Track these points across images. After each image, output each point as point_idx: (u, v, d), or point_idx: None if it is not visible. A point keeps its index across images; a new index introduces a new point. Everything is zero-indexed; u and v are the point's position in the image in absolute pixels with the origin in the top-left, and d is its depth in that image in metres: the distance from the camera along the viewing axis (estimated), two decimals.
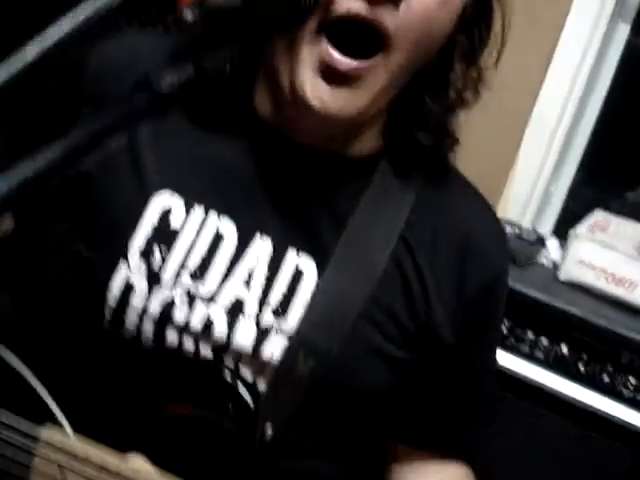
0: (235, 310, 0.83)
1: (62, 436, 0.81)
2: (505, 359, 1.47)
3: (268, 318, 0.83)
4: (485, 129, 1.65)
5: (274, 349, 0.83)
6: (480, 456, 1.01)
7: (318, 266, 0.85)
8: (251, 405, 0.82)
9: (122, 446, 0.81)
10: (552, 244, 1.66)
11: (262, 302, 0.84)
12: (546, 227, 1.97)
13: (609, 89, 1.95)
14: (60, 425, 0.83)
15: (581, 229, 1.54)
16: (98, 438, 0.81)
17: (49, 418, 0.83)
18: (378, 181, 0.88)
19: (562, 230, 1.80)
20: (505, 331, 1.46)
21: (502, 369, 1.45)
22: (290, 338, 0.83)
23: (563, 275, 1.51)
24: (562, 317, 1.44)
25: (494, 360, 1.01)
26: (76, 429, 0.83)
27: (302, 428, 0.87)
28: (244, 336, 0.83)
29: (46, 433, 0.81)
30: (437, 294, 0.87)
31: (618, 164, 2.10)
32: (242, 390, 0.82)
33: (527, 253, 1.55)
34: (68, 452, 0.80)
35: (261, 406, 0.82)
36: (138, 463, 0.81)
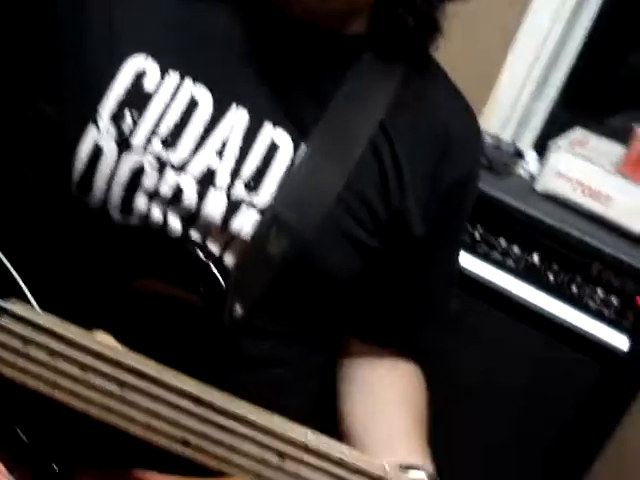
0: (206, 180, 0.82)
1: (26, 308, 0.80)
2: (476, 266, 1.47)
3: (239, 191, 0.82)
4: (472, 40, 1.62)
5: (244, 223, 0.82)
6: (431, 356, 1.02)
7: (295, 143, 0.83)
8: (222, 283, 0.82)
9: (88, 322, 0.80)
10: (531, 156, 1.65)
11: (234, 174, 0.82)
12: (525, 143, 1.96)
13: (598, 11, 1.92)
14: (25, 299, 0.82)
15: (561, 142, 1.53)
16: (64, 314, 0.79)
17: (13, 293, 0.82)
18: (363, 65, 0.86)
19: (540, 148, 1.79)
20: (478, 237, 1.46)
21: (472, 275, 1.46)
22: (262, 214, 0.82)
23: (540, 186, 1.51)
24: (535, 226, 1.44)
25: (456, 263, 1.02)
26: (41, 306, 0.82)
27: (270, 310, 0.87)
28: (214, 207, 0.82)
29: (9, 305, 0.80)
30: (412, 184, 0.86)
31: (599, 89, 2.09)
32: (213, 268, 0.81)
33: (505, 163, 1.54)
34: (32, 324, 0.79)
35: (231, 284, 0.81)
36: (103, 338, 0.81)
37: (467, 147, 0.91)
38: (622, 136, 1.68)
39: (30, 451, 0.87)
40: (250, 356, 0.90)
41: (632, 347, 1.41)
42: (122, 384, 0.78)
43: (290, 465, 0.76)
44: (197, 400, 0.77)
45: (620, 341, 1.42)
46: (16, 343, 0.80)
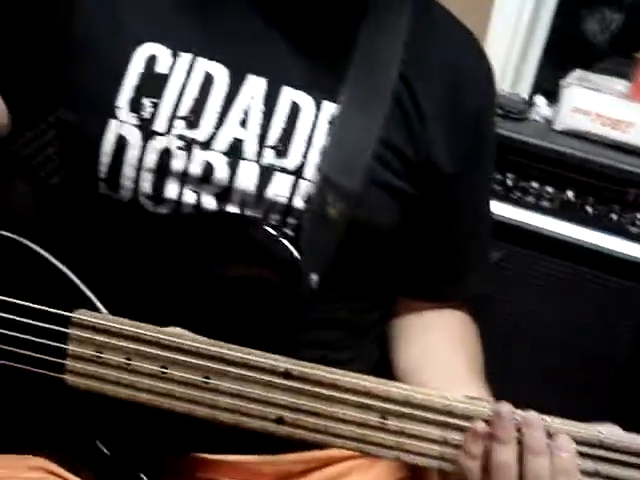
0: (234, 152, 0.82)
1: (93, 314, 0.79)
2: (513, 213, 1.47)
3: (269, 156, 0.82)
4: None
5: (278, 188, 0.82)
6: (477, 303, 1.01)
7: (316, 102, 0.84)
8: (297, 255, 0.81)
9: (158, 319, 0.79)
10: (540, 101, 1.64)
11: (261, 141, 0.82)
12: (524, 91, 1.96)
13: None
14: (90, 308, 0.80)
15: (569, 79, 1.53)
16: (135, 316, 0.78)
17: (81, 304, 0.80)
18: (372, 15, 0.87)
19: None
20: (510, 184, 1.46)
21: (511, 223, 1.46)
22: (296, 176, 0.83)
23: (559, 124, 1.50)
24: (564, 163, 1.44)
25: (489, 208, 1.02)
26: (114, 312, 0.80)
27: (338, 276, 0.87)
28: (246, 178, 0.82)
29: (77, 315, 0.79)
30: (434, 124, 0.87)
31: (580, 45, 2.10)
32: (286, 241, 0.81)
33: (519, 108, 1.54)
34: (102, 330, 0.78)
35: (305, 255, 0.81)
36: (177, 331, 0.79)
37: (480, 78, 0.93)
38: (614, 73, 1.68)
39: (114, 464, 0.85)
40: (316, 319, 0.90)
41: None
42: (207, 372, 0.76)
43: (393, 422, 0.75)
44: (286, 374, 0.76)
45: None
46: (90, 350, 0.79)
